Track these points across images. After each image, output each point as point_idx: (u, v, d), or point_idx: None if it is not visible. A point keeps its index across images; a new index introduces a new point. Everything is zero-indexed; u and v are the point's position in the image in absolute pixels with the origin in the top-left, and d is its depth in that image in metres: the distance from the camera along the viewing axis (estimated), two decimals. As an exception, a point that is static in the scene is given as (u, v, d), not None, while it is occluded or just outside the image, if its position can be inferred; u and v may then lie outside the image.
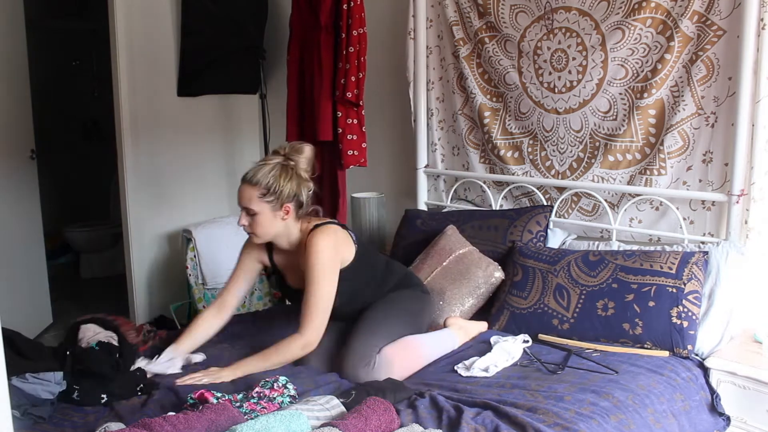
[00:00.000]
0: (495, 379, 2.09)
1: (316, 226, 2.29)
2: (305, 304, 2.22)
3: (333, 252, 2.26)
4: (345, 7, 3.19)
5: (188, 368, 2.24)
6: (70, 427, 1.86)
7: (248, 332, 2.60)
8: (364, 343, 2.23)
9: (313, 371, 2.21)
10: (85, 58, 6.17)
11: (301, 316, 2.23)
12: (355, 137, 3.30)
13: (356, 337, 2.25)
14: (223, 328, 2.47)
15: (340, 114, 3.31)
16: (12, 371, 1.90)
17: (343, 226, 2.39)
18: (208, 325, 2.41)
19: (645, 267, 2.34)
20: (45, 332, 4.23)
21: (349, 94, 3.22)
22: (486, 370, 2.14)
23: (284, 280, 2.49)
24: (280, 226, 2.29)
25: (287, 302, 3.01)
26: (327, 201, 3.48)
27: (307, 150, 2.32)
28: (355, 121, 3.31)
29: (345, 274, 2.31)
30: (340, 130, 3.32)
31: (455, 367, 2.21)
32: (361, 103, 3.26)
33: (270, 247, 2.42)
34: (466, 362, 2.22)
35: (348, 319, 2.37)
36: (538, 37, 2.87)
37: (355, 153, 3.32)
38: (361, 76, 3.23)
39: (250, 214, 2.25)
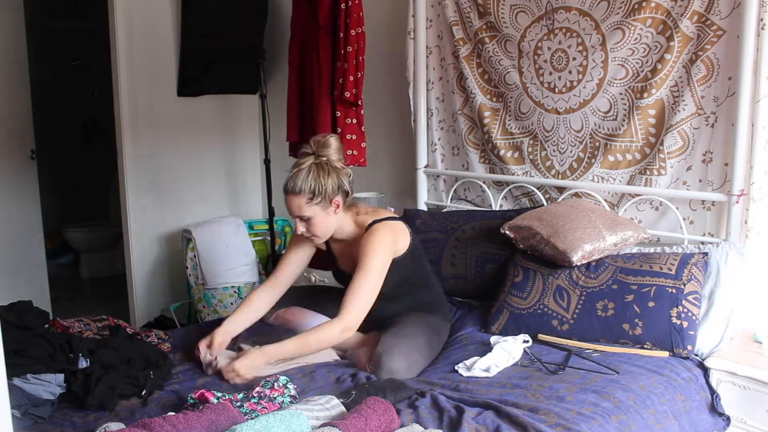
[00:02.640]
0: (496, 379, 2.09)
1: (375, 222, 2.35)
2: (350, 290, 2.24)
3: (390, 246, 2.32)
4: (343, 6, 3.19)
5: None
6: (69, 427, 1.86)
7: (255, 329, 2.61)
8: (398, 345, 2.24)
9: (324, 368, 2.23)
10: (85, 58, 6.17)
11: (343, 301, 2.24)
12: (354, 137, 3.31)
13: (395, 338, 2.27)
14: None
15: (339, 114, 3.31)
16: (13, 372, 1.90)
17: (399, 218, 2.47)
18: (260, 302, 2.46)
19: (645, 268, 2.34)
20: (45, 332, 4.23)
21: (347, 94, 3.23)
22: (487, 370, 2.14)
23: (337, 264, 2.55)
24: (335, 221, 2.36)
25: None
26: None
27: (333, 142, 2.36)
28: (355, 121, 3.31)
29: (396, 264, 2.35)
30: (339, 130, 3.32)
31: (456, 367, 2.21)
32: (360, 103, 3.26)
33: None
34: (467, 362, 2.22)
35: (378, 325, 2.38)
36: (538, 37, 2.87)
37: (355, 153, 3.32)
38: (359, 75, 3.23)
39: (305, 220, 2.31)
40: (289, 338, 2.22)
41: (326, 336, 2.22)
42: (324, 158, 2.31)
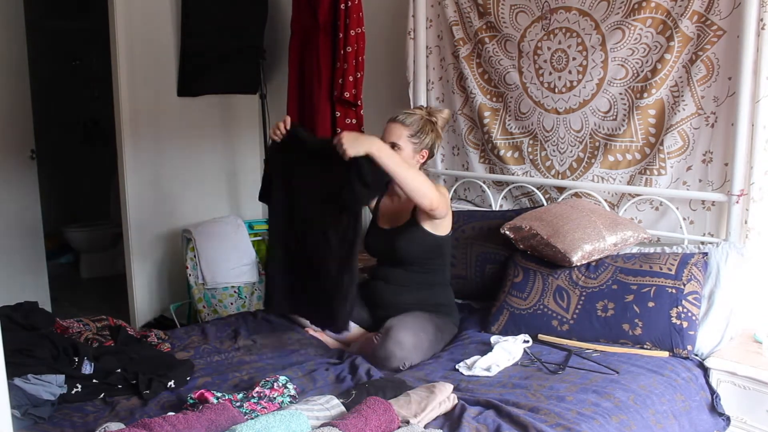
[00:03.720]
0: (496, 379, 2.09)
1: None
2: (419, 183, 2.32)
3: (446, 197, 2.43)
4: (343, 6, 3.19)
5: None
6: (69, 427, 1.86)
7: (256, 329, 2.63)
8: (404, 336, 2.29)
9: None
10: (85, 58, 6.17)
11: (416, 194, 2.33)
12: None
13: (403, 331, 2.30)
14: (227, 328, 2.54)
15: (338, 114, 3.31)
16: (15, 371, 1.90)
17: None
18: None
19: (645, 268, 2.34)
20: (45, 332, 4.23)
21: (346, 94, 3.22)
22: (488, 369, 2.15)
23: (377, 221, 2.67)
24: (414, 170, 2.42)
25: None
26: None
27: (447, 113, 2.63)
28: (354, 121, 3.31)
29: (436, 238, 2.49)
30: (339, 130, 3.32)
31: (457, 366, 2.21)
32: (359, 103, 3.26)
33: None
34: (468, 361, 2.22)
35: (386, 312, 2.45)
36: (538, 37, 2.87)
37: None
38: (359, 75, 3.23)
39: (394, 149, 2.42)
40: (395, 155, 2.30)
41: (421, 179, 2.31)
42: (434, 119, 2.55)
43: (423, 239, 2.48)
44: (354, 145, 2.17)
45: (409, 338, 2.27)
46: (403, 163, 2.29)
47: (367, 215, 2.71)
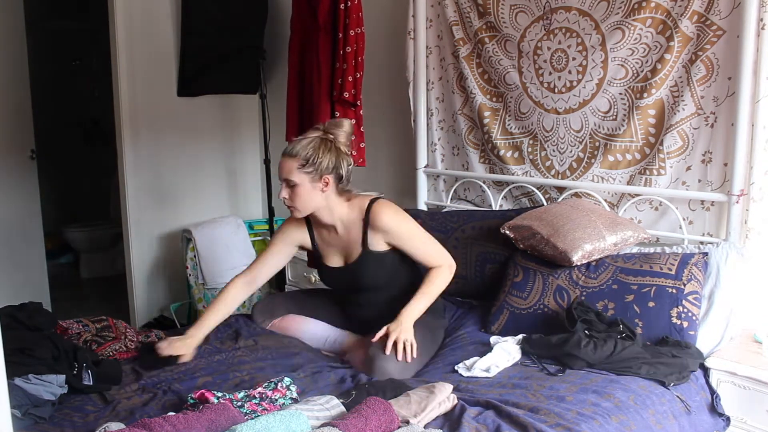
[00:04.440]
0: (496, 379, 2.09)
1: (375, 200, 2.37)
2: (421, 253, 2.38)
3: (403, 212, 2.41)
4: (342, 6, 3.18)
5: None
6: (69, 427, 1.86)
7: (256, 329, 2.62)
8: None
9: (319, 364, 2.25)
10: (85, 58, 6.17)
11: (426, 262, 2.38)
12: (353, 137, 3.30)
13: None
14: (228, 329, 2.50)
15: (338, 114, 3.31)
16: (16, 370, 1.90)
17: None
18: (234, 299, 2.47)
19: (645, 268, 2.34)
20: (45, 332, 4.23)
21: (346, 94, 3.22)
22: (487, 370, 2.14)
23: (323, 260, 2.50)
24: (320, 199, 2.31)
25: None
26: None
27: (346, 125, 2.38)
28: (354, 121, 3.30)
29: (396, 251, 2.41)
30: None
31: (456, 367, 2.21)
32: (358, 103, 3.26)
33: (311, 229, 2.48)
34: (467, 362, 2.22)
35: (372, 324, 2.35)
36: (538, 37, 2.87)
37: (353, 153, 3.31)
38: (358, 75, 3.22)
39: (290, 185, 2.29)
40: (416, 297, 2.31)
41: (443, 281, 2.37)
42: (331, 136, 2.31)
43: (387, 261, 2.38)
44: (406, 332, 2.22)
45: (394, 366, 2.17)
46: (426, 300, 2.31)
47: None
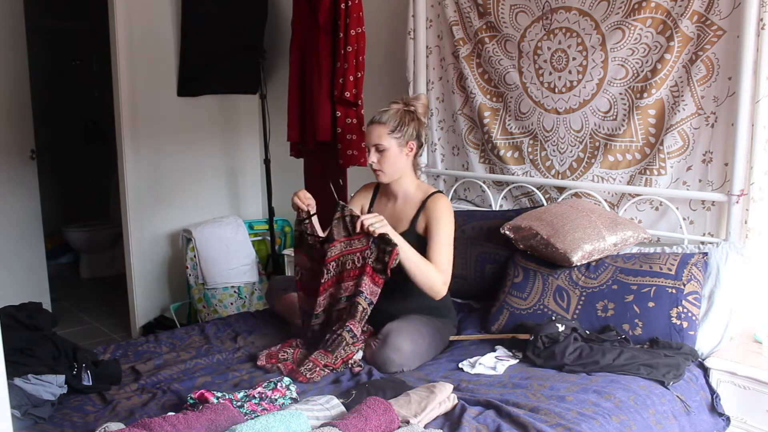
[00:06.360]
0: (497, 379, 2.09)
1: (437, 192, 2.51)
2: (435, 250, 2.38)
3: (453, 218, 2.48)
4: (343, 6, 3.18)
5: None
6: (69, 427, 1.86)
7: (256, 329, 2.62)
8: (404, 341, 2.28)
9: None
10: (85, 58, 6.17)
11: (432, 261, 2.37)
12: (354, 137, 3.30)
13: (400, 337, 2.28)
14: (228, 329, 2.54)
15: (339, 114, 3.31)
16: (16, 370, 1.90)
17: None
18: None
19: (645, 268, 2.34)
20: (45, 332, 4.23)
21: (347, 94, 3.22)
22: (494, 368, 2.15)
23: None
24: (404, 164, 2.50)
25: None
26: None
27: (423, 98, 2.60)
28: (355, 121, 3.30)
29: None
30: (339, 130, 3.31)
31: (460, 365, 2.21)
32: (359, 103, 3.26)
33: (374, 197, 2.66)
34: (471, 360, 2.22)
35: (384, 321, 2.38)
36: (538, 37, 2.87)
37: (355, 153, 3.31)
38: (359, 75, 3.22)
39: (380, 150, 2.46)
40: (411, 249, 2.33)
41: (435, 278, 2.35)
42: (412, 107, 2.51)
43: (421, 246, 2.43)
44: (382, 226, 2.26)
45: (407, 344, 2.24)
46: (414, 257, 2.31)
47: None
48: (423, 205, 2.48)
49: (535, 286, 2.48)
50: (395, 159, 2.47)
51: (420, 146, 2.54)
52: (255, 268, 4.02)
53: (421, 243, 2.43)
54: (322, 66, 3.36)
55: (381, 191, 2.65)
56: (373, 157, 2.48)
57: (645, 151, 2.62)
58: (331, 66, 3.34)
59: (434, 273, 2.35)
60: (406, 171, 2.53)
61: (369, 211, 2.64)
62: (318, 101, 3.38)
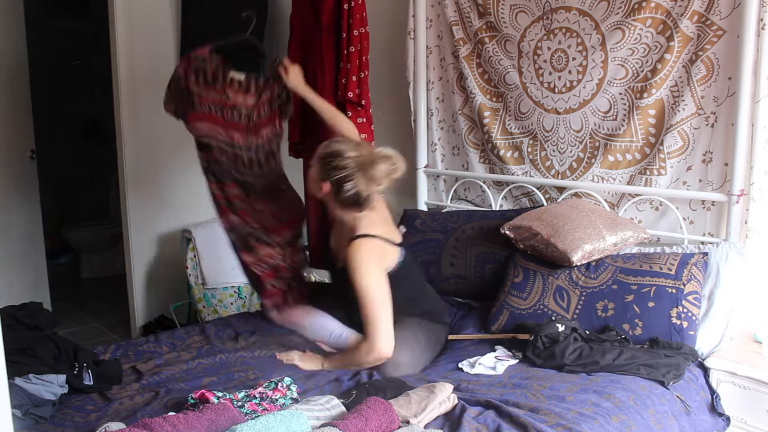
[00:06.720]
0: (497, 379, 2.09)
1: (355, 238, 2.29)
2: (363, 318, 2.24)
3: (374, 261, 2.27)
4: (346, 6, 3.18)
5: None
6: (70, 426, 1.86)
7: (257, 329, 2.63)
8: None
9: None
10: (85, 58, 6.17)
11: (365, 333, 2.24)
12: (365, 136, 3.28)
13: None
14: (228, 329, 2.55)
15: (350, 114, 3.30)
16: (17, 370, 1.91)
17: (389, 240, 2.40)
18: None
19: (645, 268, 2.34)
20: (45, 332, 4.23)
21: (350, 94, 3.22)
22: (494, 368, 2.15)
23: (330, 252, 2.55)
24: (321, 196, 2.36)
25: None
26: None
27: (396, 162, 2.35)
28: (364, 120, 3.28)
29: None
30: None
31: (459, 365, 2.22)
32: (364, 103, 3.25)
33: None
34: (471, 360, 2.22)
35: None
36: (538, 37, 2.87)
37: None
38: (362, 75, 3.21)
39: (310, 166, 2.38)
40: (334, 356, 2.32)
41: (357, 358, 2.24)
42: (368, 168, 2.28)
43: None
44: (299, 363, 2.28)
45: (405, 357, 2.22)
46: (340, 363, 2.27)
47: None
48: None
49: (535, 286, 2.48)
50: (312, 185, 2.38)
51: (339, 191, 2.28)
52: (255, 268, 4.02)
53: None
54: (326, 66, 3.35)
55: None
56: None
57: (645, 151, 2.63)
58: (334, 66, 3.34)
59: (357, 354, 2.24)
60: (333, 207, 2.36)
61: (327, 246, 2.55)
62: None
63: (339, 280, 2.41)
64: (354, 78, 3.19)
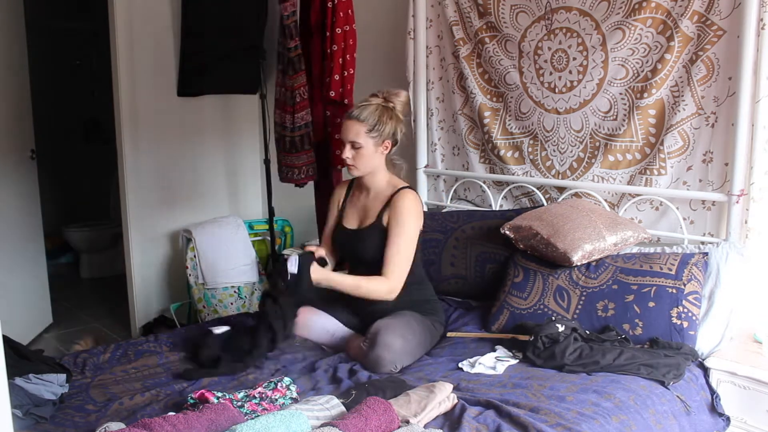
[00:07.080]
0: (497, 379, 2.09)
1: (407, 188, 2.53)
2: (390, 253, 2.41)
3: (419, 216, 2.51)
4: (330, 5, 3.17)
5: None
6: (71, 426, 1.86)
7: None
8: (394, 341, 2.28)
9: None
10: (85, 58, 6.17)
11: (384, 264, 2.41)
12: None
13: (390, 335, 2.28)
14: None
15: (328, 113, 3.30)
16: (16, 372, 1.90)
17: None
18: (329, 261, 2.64)
19: (645, 268, 2.34)
20: (45, 332, 4.23)
21: (332, 93, 3.21)
22: (494, 368, 2.15)
23: (342, 221, 2.64)
24: (378, 160, 2.52)
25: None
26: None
27: (404, 95, 2.59)
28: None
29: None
30: (329, 129, 3.31)
31: (459, 364, 2.21)
32: (346, 102, 3.24)
33: (349, 190, 2.68)
34: (471, 359, 2.22)
35: (372, 320, 2.38)
36: (538, 37, 2.87)
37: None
38: (345, 74, 3.20)
39: (355, 147, 2.47)
40: (343, 276, 2.45)
41: (374, 290, 2.40)
42: (391, 104, 2.51)
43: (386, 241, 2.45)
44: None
45: (397, 341, 2.24)
46: (351, 284, 2.39)
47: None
48: (389, 201, 2.50)
49: (535, 285, 2.48)
50: (370, 157, 2.49)
51: (395, 144, 2.55)
52: (255, 268, 4.02)
53: (386, 236, 2.46)
54: (313, 66, 3.36)
55: (355, 185, 2.67)
56: (347, 153, 2.49)
57: (645, 151, 2.63)
58: (321, 65, 3.33)
59: (373, 287, 2.39)
60: (379, 167, 2.54)
61: (343, 205, 2.67)
62: (310, 101, 3.37)
63: (359, 238, 2.53)
64: (336, 77, 3.19)
